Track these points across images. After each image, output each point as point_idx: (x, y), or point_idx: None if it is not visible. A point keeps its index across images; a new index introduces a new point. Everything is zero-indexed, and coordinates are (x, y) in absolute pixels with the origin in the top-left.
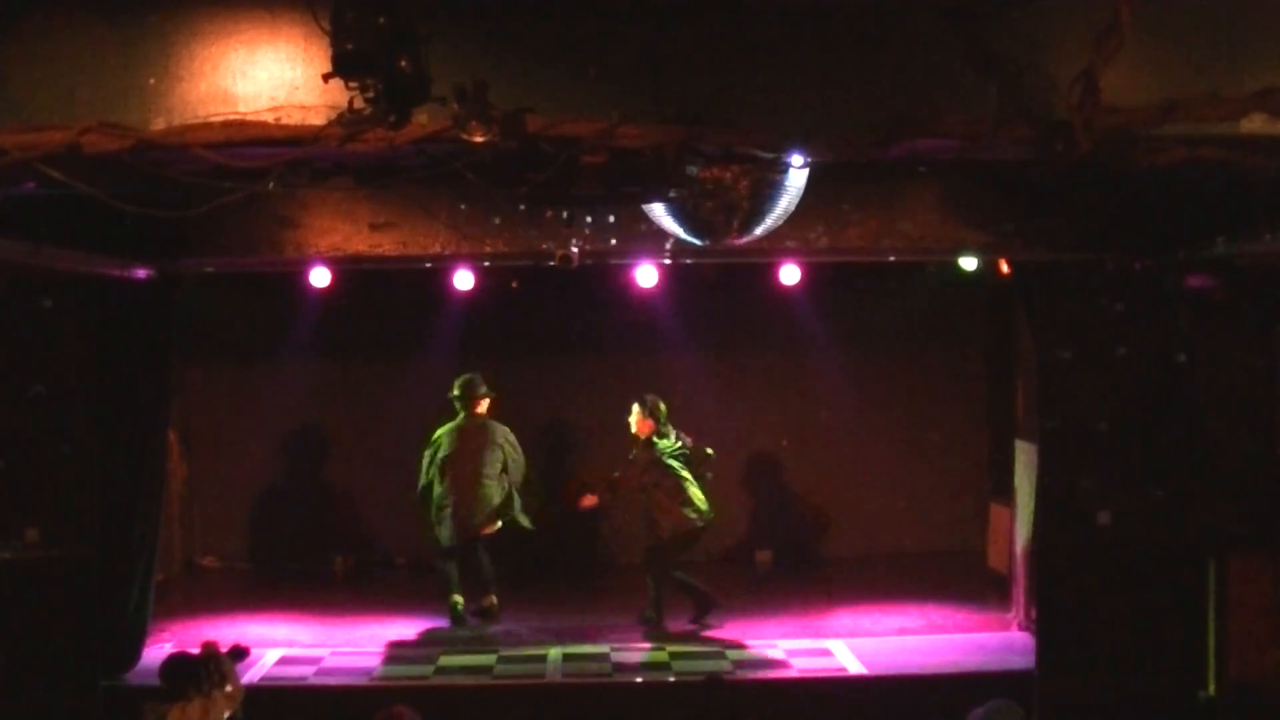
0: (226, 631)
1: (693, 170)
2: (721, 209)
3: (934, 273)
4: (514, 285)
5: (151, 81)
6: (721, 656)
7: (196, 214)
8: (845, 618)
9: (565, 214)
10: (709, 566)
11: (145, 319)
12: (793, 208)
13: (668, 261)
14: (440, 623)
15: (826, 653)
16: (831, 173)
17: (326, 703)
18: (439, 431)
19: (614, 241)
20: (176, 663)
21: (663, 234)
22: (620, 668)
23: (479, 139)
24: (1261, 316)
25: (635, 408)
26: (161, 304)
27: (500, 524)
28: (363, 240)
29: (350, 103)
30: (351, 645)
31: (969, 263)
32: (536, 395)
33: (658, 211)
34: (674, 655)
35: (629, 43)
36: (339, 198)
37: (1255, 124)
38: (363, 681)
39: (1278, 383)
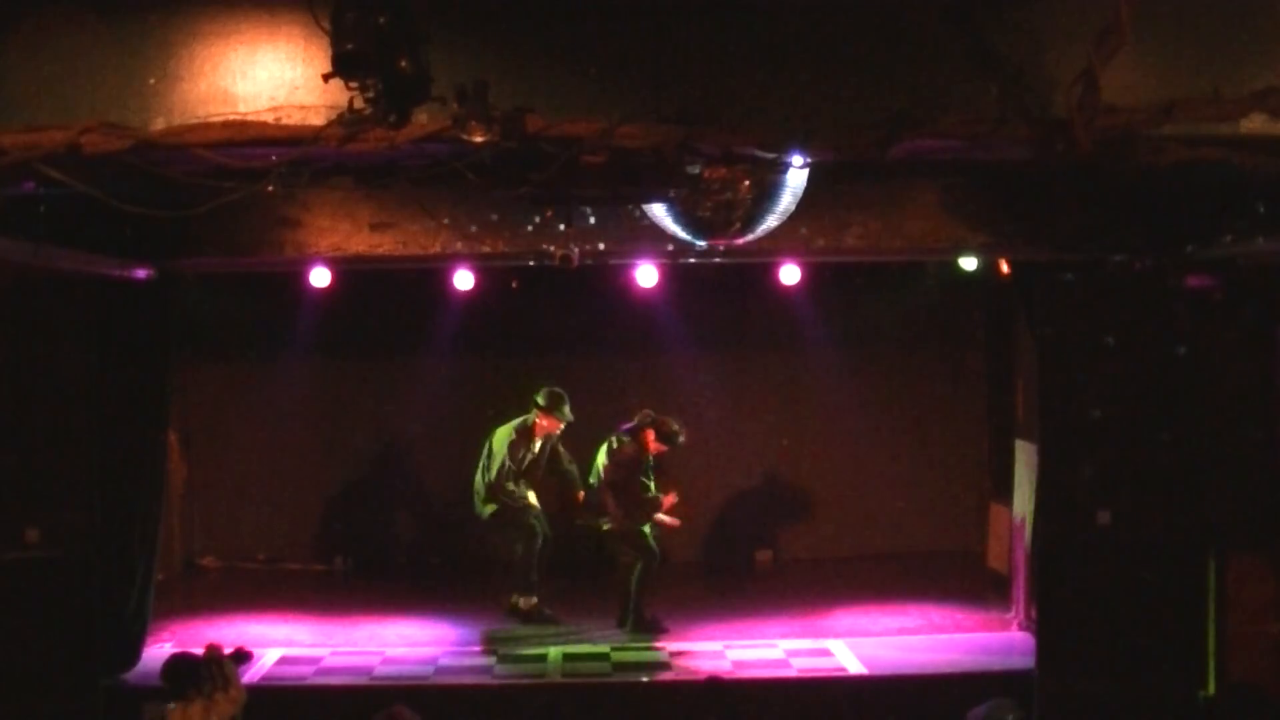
0: (226, 631)
1: (693, 170)
2: (721, 209)
3: (934, 273)
4: (514, 285)
5: (151, 81)
6: (721, 656)
7: (196, 214)
8: (845, 618)
9: (565, 214)
10: (710, 567)
11: (145, 319)
12: (793, 208)
13: (668, 261)
14: (439, 622)
15: (826, 653)
16: (831, 173)
17: (326, 703)
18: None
19: (614, 242)
20: (179, 663)
21: (663, 234)
22: (620, 668)
23: (479, 139)
24: (1261, 316)
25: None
26: (161, 304)
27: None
28: (363, 240)
29: (350, 103)
30: (351, 645)
31: (969, 263)
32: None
33: (658, 211)
34: (673, 655)
35: (629, 43)
36: (339, 198)
37: (1255, 124)
38: (363, 681)
39: (1278, 383)
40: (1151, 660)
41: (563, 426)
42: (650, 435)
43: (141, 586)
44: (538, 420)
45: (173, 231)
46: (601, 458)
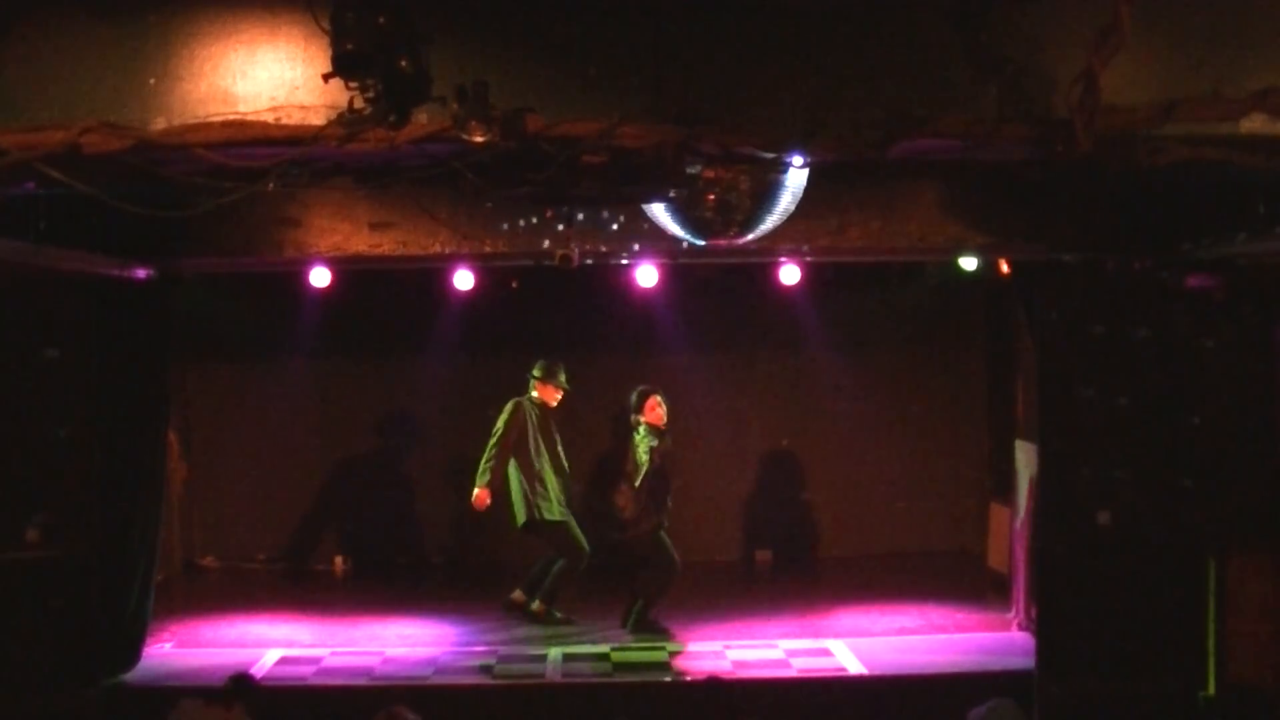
0: (226, 631)
1: (693, 170)
2: (721, 209)
3: (934, 273)
4: (514, 285)
5: (151, 81)
6: (721, 656)
7: (196, 214)
8: (845, 618)
9: (565, 215)
10: (709, 566)
11: (145, 319)
12: (793, 208)
13: (668, 261)
14: (439, 622)
15: (826, 653)
16: (831, 173)
17: (326, 703)
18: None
19: (614, 242)
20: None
21: (663, 234)
22: (620, 668)
23: (479, 139)
24: (1261, 316)
25: (660, 398)
26: (161, 304)
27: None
28: (363, 240)
29: (350, 103)
30: (351, 645)
31: (969, 263)
32: None
33: (658, 211)
34: (673, 655)
35: (629, 43)
36: (339, 198)
37: (1255, 124)
38: (363, 681)
39: (1278, 383)
40: (1151, 660)
41: (560, 396)
42: (651, 407)
43: (141, 586)
44: (535, 391)
45: (173, 231)
46: (643, 454)
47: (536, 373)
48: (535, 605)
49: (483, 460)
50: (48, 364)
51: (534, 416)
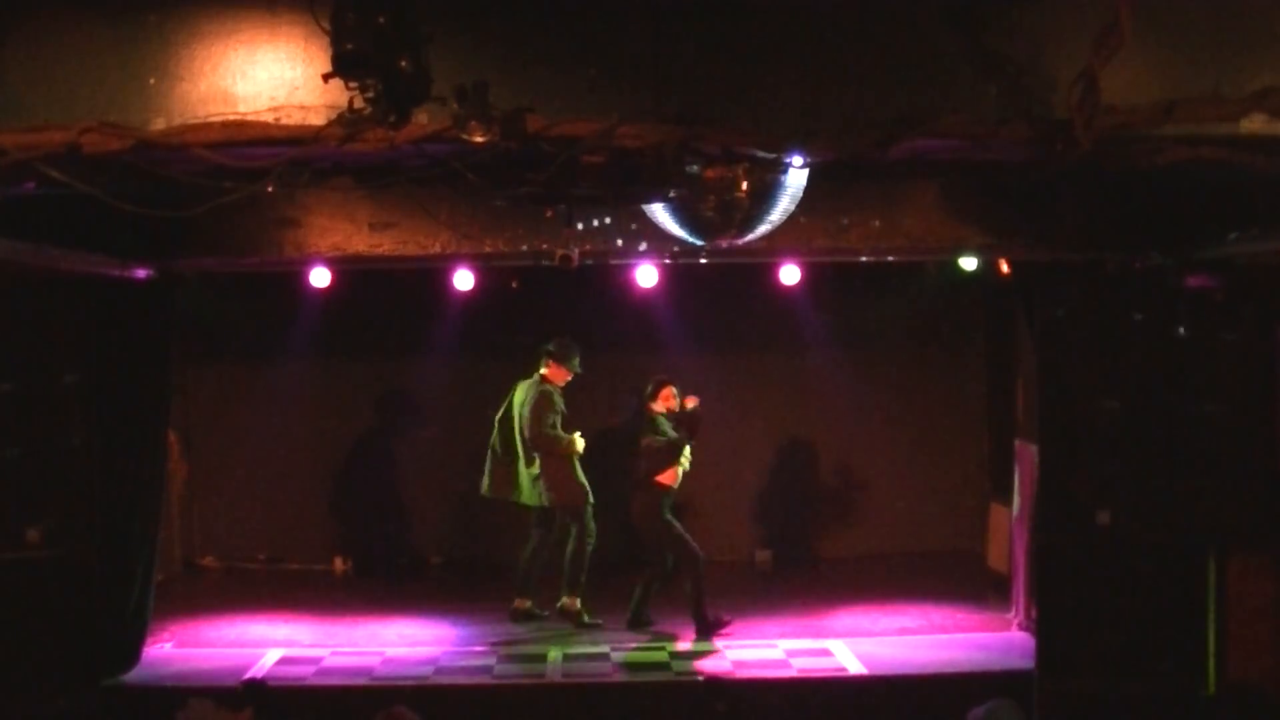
0: (226, 631)
1: (693, 170)
2: (721, 209)
3: (934, 273)
4: (514, 285)
5: (151, 81)
6: (721, 657)
7: (196, 214)
8: (845, 618)
9: (565, 215)
10: (709, 566)
11: (145, 319)
12: (793, 208)
13: (668, 261)
14: (439, 622)
15: (826, 653)
16: (831, 173)
17: (326, 703)
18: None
19: (614, 242)
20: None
21: (662, 234)
22: (620, 668)
23: (479, 139)
24: (1261, 316)
25: (675, 390)
26: (161, 304)
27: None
28: (363, 240)
29: (350, 103)
30: (351, 645)
31: (969, 263)
32: None
33: (658, 211)
34: (674, 655)
35: (629, 43)
36: (339, 198)
37: (1255, 124)
38: (363, 681)
39: (1278, 382)
40: (1151, 660)
41: (568, 379)
42: (666, 396)
43: (141, 586)
44: (547, 370)
45: (173, 231)
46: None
47: (551, 347)
48: (564, 600)
49: (553, 441)
50: (47, 364)
51: (560, 399)
